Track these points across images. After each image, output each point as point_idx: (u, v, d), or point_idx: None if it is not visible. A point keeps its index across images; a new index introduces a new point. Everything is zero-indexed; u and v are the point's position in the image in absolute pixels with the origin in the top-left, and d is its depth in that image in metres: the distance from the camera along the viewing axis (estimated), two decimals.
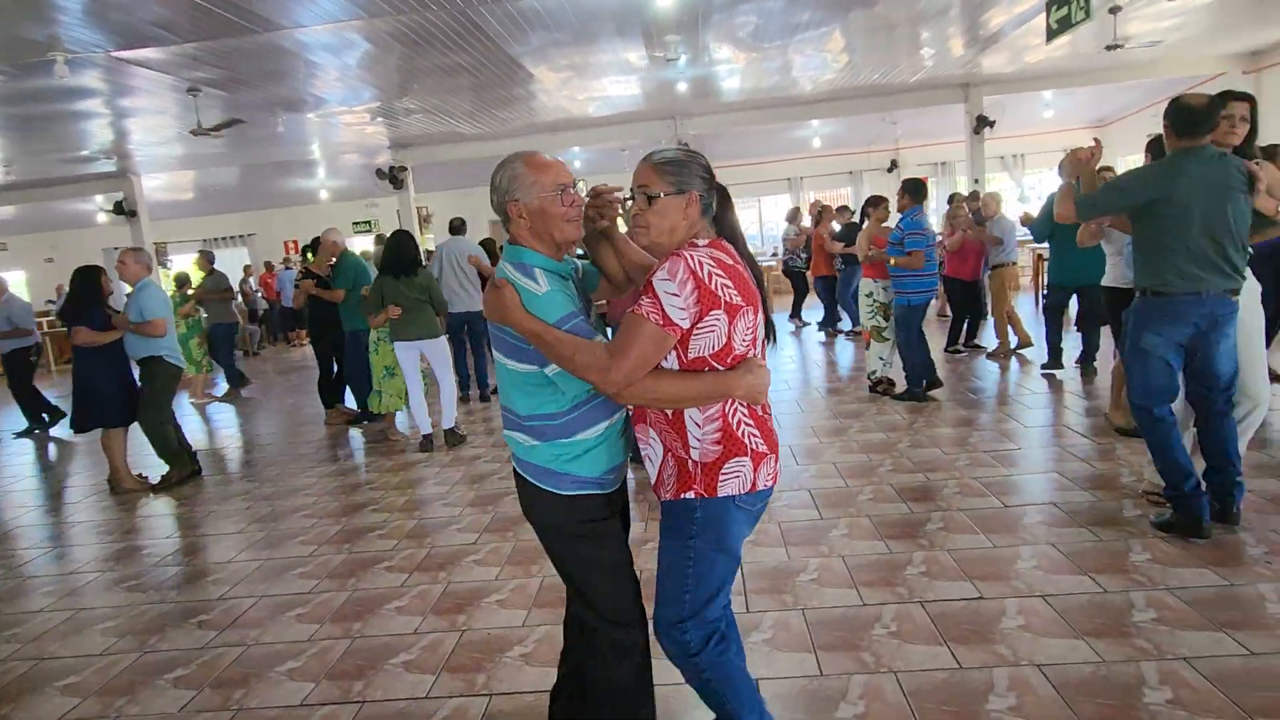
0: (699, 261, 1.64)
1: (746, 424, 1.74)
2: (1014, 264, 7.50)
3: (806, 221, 9.09)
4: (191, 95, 7.48)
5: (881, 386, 6.19)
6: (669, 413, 1.72)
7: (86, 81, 6.93)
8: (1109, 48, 8.20)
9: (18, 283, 18.11)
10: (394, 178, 11.93)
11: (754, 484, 1.75)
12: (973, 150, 11.76)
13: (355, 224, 15.88)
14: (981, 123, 11.42)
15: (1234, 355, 3.13)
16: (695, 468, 1.73)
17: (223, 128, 7.91)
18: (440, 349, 5.80)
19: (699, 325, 1.64)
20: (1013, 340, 7.51)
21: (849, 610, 2.82)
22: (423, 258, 5.85)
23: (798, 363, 8.17)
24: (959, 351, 7.82)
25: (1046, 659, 2.39)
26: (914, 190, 6.02)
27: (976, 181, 11.73)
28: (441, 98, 9.22)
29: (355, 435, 6.61)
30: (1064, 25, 6.02)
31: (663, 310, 1.62)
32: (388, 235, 6.25)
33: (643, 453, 1.83)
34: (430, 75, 8.08)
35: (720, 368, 1.68)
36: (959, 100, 11.65)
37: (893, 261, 5.78)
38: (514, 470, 1.88)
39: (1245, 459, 3.32)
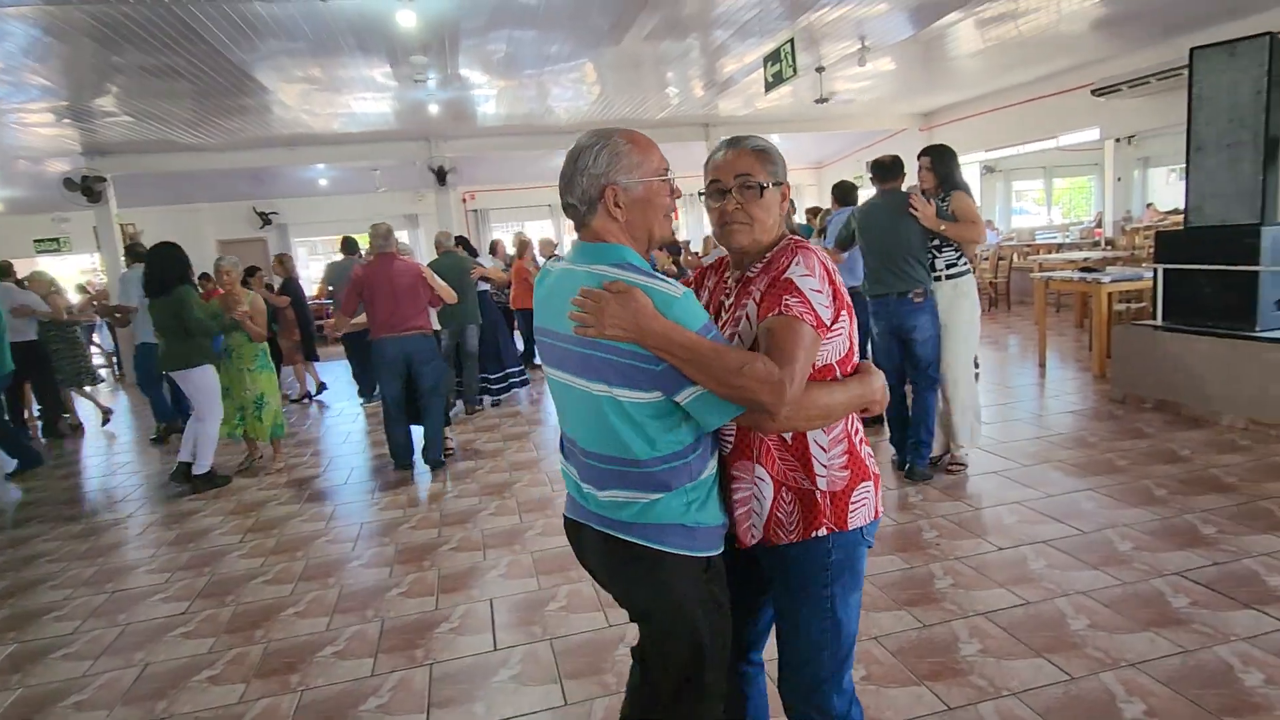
0: (821, 258, 1.44)
1: (863, 443, 1.52)
2: None
3: (511, 251, 9.17)
4: None
5: None
6: (788, 438, 1.44)
7: None
8: (818, 101, 9.39)
9: None
10: (88, 189, 10.20)
11: (877, 510, 1.52)
12: None
13: (38, 241, 13.37)
14: None
15: (935, 345, 4.01)
16: (824, 499, 1.45)
17: None
18: (194, 380, 5.07)
19: (832, 328, 1.43)
20: None
21: (595, 635, 2.85)
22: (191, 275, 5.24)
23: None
24: None
25: None
26: (843, 194, 6.11)
27: None
28: (150, 102, 8.10)
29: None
30: (778, 79, 6.79)
31: (814, 310, 1.37)
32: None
33: (739, 498, 1.48)
34: (134, 75, 7.05)
35: (841, 376, 1.47)
36: (701, 138, 12.66)
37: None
38: (608, 546, 1.42)
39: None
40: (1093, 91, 9.65)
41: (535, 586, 3.30)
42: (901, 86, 10.96)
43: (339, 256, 8.86)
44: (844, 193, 5.76)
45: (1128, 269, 7.56)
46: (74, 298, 9.83)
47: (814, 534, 1.45)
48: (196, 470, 5.17)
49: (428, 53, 7.20)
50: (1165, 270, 5.27)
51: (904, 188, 4.17)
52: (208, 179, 12.39)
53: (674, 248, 9.88)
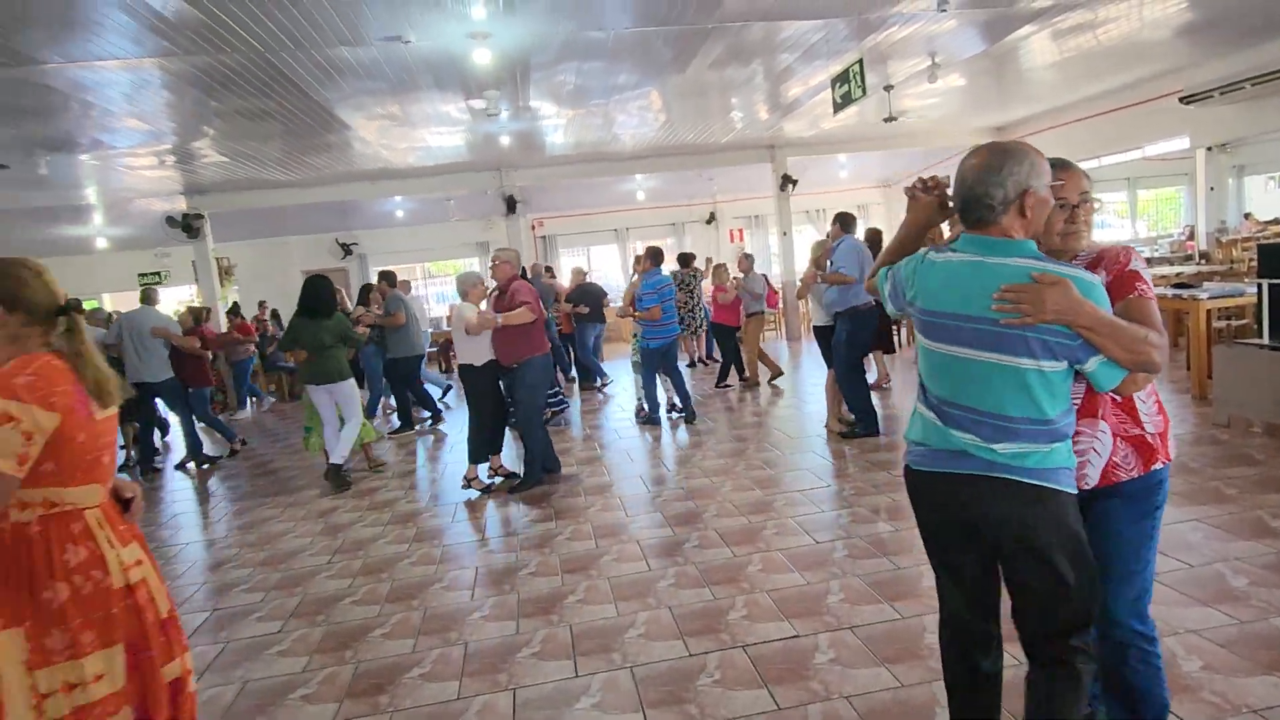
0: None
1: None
2: (763, 313, 8.89)
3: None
4: None
5: (642, 415, 7.31)
6: (1119, 398, 1.80)
7: None
8: (886, 120, 9.27)
9: None
10: (188, 226, 10.90)
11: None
12: (780, 205, 12.78)
13: (142, 275, 14.30)
14: (786, 181, 12.45)
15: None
16: (1155, 439, 1.83)
17: None
18: (346, 391, 5.92)
19: None
20: (765, 373, 8.91)
21: (677, 662, 2.84)
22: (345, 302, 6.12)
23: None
24: (728, 386, 8.88)
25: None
26: (653, 255, 7.30)
27: (784, 234, 12.72)
28: (244, 143, 8.62)
29: None
30: (846, 100, 6.73)
31: (1153, 293, 1.75)
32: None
33: (1081, 449, 1.80)
34: (231, 119, 7.54)
35: None
36: (766, 160, 12.64)
37: (634, 314, 7.10)
38: (1010, 490, 1.68)
39: None
40: (1181, 99, 9.23)
41: (614, 613, 3.31)
42: (973, 101, 10.72)
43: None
44: (845, 222, 6.23)
45: (1227, 284, 7.13)
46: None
47: (1153, 467, 1.82)
48: (336, 459, 5.88)
49: (500, 87, 7.44)
50: (1271, 285, 4.96)
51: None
52: (294, 213, 13.05)
53: (684, 258, 10.15)
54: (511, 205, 12.02)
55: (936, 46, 7.42)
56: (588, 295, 9.45)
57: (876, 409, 6.07)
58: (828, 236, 6.41)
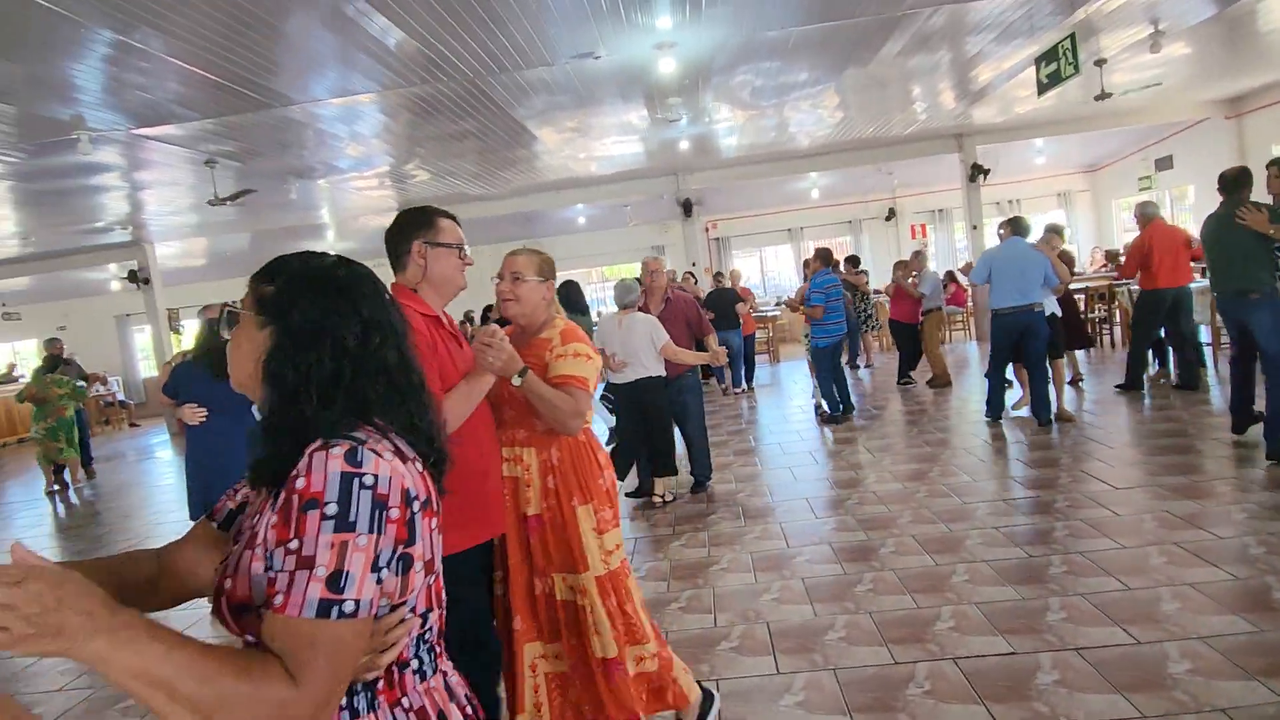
0: None
1: None
2: (940, 310, 8.87)
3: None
4: (208, 167, 7.69)
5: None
6: None
7: (105, 157, 7.13)
8: (1098, 97, 8.43)
9: (29, 351, 18.29)
10: None
11: None
12: (969, 197, 11.99)
13: None
14: (976, 170, 11.66)
15: (1276, 339, 4.41)
16: None
17: (238, 197, 8.11)
18: None
19: None
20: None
21: (881, 670, 2.78)
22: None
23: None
24: (910, 383, 8.85)
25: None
26: (822, 256, 7.75)
27: (975, 227, 11.93)
28: (448, 161, 9.46)
29: None
30: (1054, 80, 6.22)
31: None
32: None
33: None
34: (438, 140, 8.31)
35: None
36: (953, 150, 11.93)
37: (803, 313, 7.48)
38: None
39: None
40: None
41: (811, 614, 3.30)
42: (1199, 71, 9.49)
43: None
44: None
45: None
46: None
47: None
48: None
49: (681, 93, 7.63)
50: None
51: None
52: (487, 224, 14.10)
53: (853, 259, 10.03)
54: (688, 208, 12.23)
55: (1159, 13, 6.67)
56: (717, 301, 9.47)
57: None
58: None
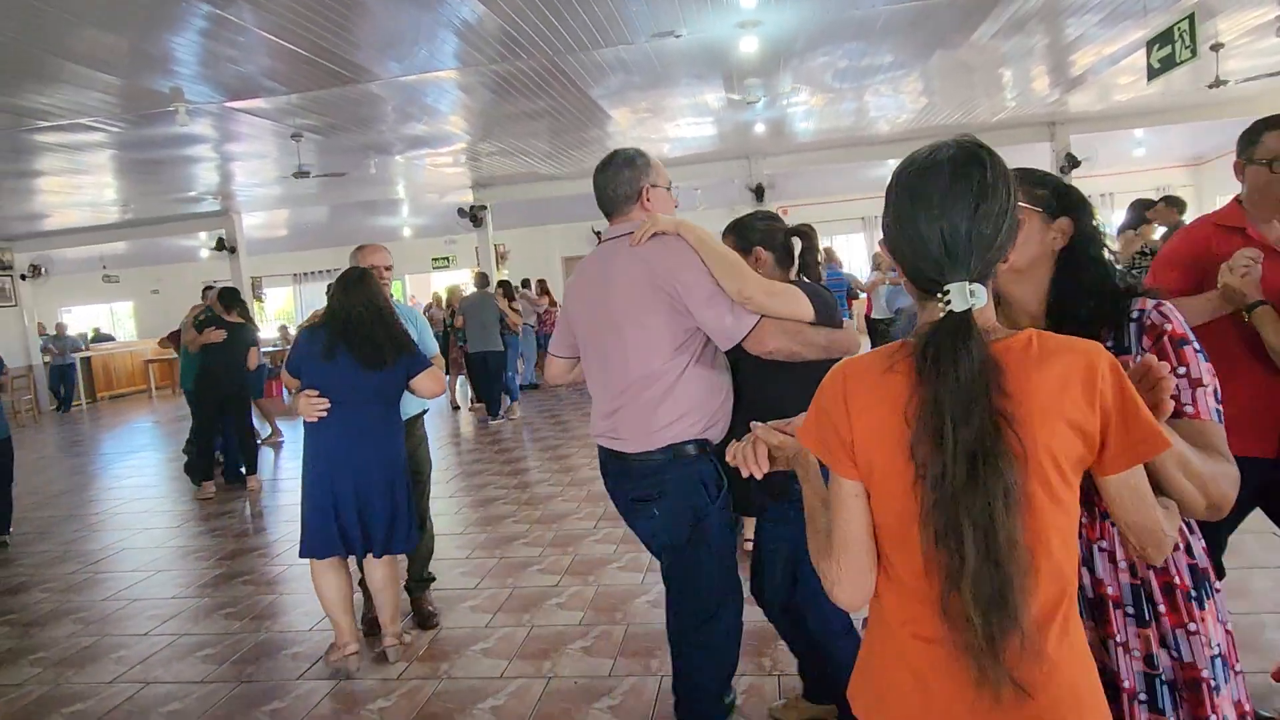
0: None
1: None
2: None
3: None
4: (294, 140, 7.92)
5: None
6: None
7: (199, 129, 7.43)
8: (1212, 85, 7.86)
9: (126, 313, 19.36)
10: (474, 216, 12.31)
11: None
12: None
13: (435, 260, 16.44)
14: (1070, 161, 11.08)
15: None
16: None
17: (327, 177, 8.33)
18: None
19: None
20: None
21: None
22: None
23: None
24: None
25: None
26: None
27: None
28: (522, 139, 9.51)
29: None
30: (1167, 64, 5.82)
31: None
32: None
33: None
34: (513, 119, 8.35)
35: None
36: (1045, 139, 11.36)
37: None
38: None
39: None
40: None
41: None
42: None
43: None
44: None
45: None
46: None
47: None
48: None
49: (760, 74, 7.45)
50: None
51: None
52: (557, 203, 14.19)
53: None
54: (760, 193, 12.02)
55: None
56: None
57: None
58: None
